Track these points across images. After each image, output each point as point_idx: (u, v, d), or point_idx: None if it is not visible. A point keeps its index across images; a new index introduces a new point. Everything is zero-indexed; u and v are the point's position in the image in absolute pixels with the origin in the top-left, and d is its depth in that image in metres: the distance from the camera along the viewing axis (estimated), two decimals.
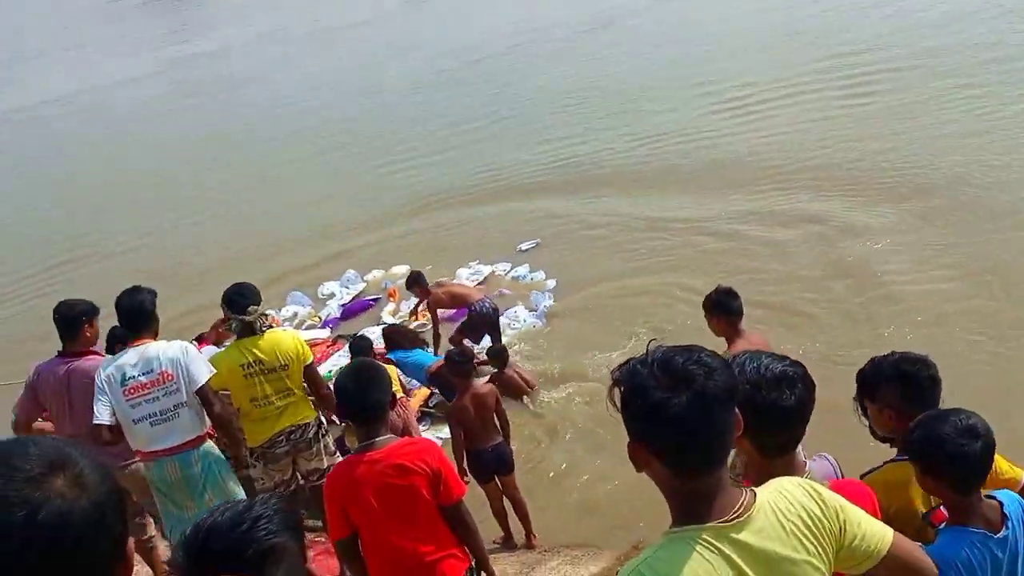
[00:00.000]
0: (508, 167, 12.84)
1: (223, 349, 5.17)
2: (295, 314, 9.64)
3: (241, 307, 4.61)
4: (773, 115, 12.32)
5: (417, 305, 8.60)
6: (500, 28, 22.05)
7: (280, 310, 9.62)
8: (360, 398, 3.14)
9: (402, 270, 10.00)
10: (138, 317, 4.39)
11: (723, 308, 4.53)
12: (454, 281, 9.06)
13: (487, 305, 7.86)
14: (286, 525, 1.59)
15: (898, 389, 2.47)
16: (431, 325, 8.28)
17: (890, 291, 7.65)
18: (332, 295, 9.89)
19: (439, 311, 8.25)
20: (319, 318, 9.50)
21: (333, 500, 3.17)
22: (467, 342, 7.74)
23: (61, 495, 1.07)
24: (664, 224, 9.93)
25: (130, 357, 4.31)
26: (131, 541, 1.18)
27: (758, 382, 1.97)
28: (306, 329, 9.14)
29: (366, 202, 12.71)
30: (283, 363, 4.63)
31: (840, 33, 15.25)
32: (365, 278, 10.15)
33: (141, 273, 11.04)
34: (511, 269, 9.64)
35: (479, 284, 9.37)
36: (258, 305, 4.67)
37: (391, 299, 9.45)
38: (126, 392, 4.27)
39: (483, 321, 7.82)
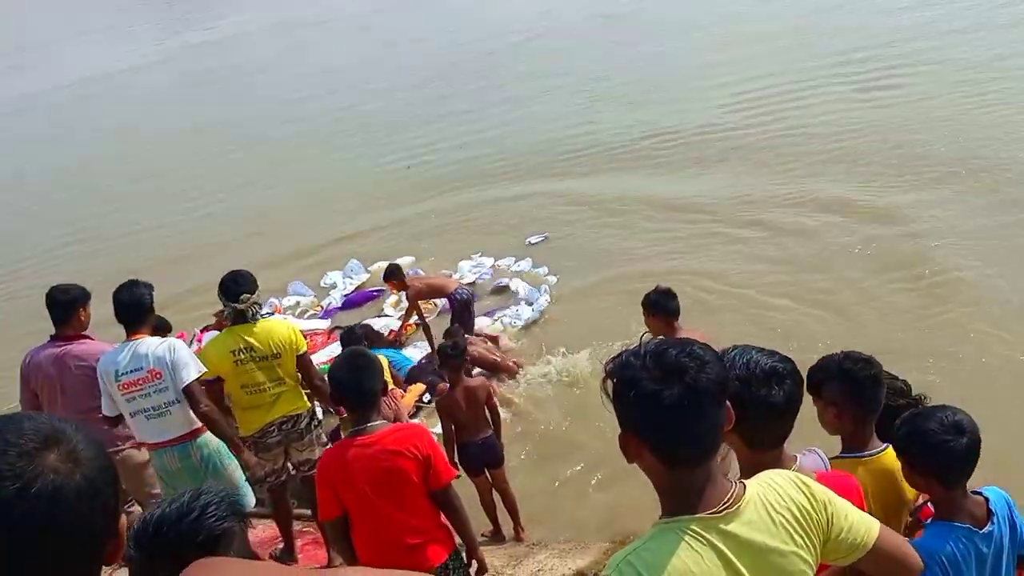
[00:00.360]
0: (520, 157, 12.81)
1: (216, 336, 5.16)
2: (297, 303, 9.64)
3: (234, 294, 4.60)
4: (795, 106, 12.28)
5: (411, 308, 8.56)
6: (514, 20, 21.90)
7: (282, 299, 9.63)
8: (353, 386, 3.25)
9: (407, 261, 10.00)
10: (135, 311, 4.39)
11: (660, 308, 4.68)
12: (439, 273, 9.13)
13: (464, 293, 8.10)
14: (232, 511, 1.74)
15: (840, 387, 2.50)
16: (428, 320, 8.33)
17: (918, 283, 7.59)
18: (334, 285, 9.88)
19: (431, 302, 8.37)
20: (321, 307, 9.49)
21: (325, 481, 3.26)
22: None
23: (54, 470, 1.07)
24: (683, 213, 9.90)
25: (123, 353, 4.34)
26: (123, 517, 1.18)
27: (748, 377, 1.98)
28: (308, 318, 9.13)
29: (374, 191, 12.68)
30: (275, 351, 4.62)
31: (863, 29, 15.22)
32: (369, 269, 10.12)
33: (143, 259, 11.18)
34: (514, 263, 9.63)
35: (486, 274, 9.48)
36: (252, 293, 4.64)
37: (393, 291, 9.41)
38: (121, 388, 4.32)
39: (466, 307, 8.03)
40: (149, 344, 4.34)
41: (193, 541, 1.67)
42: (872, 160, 10.20)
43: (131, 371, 4.29)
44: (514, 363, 7.68)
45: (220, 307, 5.11)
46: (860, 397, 2.48)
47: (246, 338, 4.58)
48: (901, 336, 6.85)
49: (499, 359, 7.68)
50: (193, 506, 1.71)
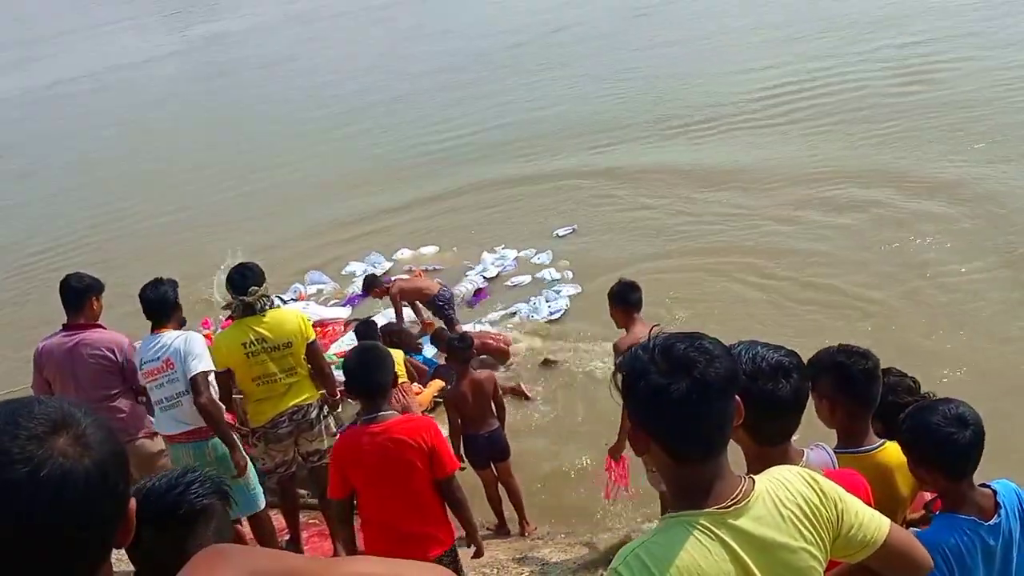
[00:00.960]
0: (553, 148, 12.57)
1: (213, 330, 5.19)
2: (320, 290, 9.66)
3: (242, 287, 4.61)
4: (842, 87, 12.10)
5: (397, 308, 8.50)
6: (534, 14, 21.63)
7: (306, 286, 9.66)
8: (363, 377, 3.43)
9: (431, 251, 10.02)
10: (161, 308, 4.57)
11: (622, 300, 4.84)
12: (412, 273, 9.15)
13: (448, 292, 8.16)
14: (215, 489, 1.92)
15: (834, 380, 2.46)
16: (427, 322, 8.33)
17: (943, 281, 7.44)
18: (355, 274, 9.84)
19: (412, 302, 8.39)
20: (344, 294, 9.47)
21: (337, 462, 3.50)
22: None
23: (63, 453, 1.06)
24: (720, 194, 9.73)
25: (148, 343, 4.51)
26: (132, 502, 1.17)
27: (754, 372, 1.97)
28: (331, 306, 9.14)
29: (399, 177, 12.58)
30: (287, 341, 4.65)
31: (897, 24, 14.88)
32: (392, 257, 10.10)
33: (162, 244, 11.29)
34: (534, 255, 9.50)
35: (507, 268, 9.45)
36: (260, 286, 4.65)
37: (379, 298, 9.32)
38: (143, 376, 4.49)
39: (449, 306, 8.08)
40: (169, 335, 4.50)
41: (175, 513, 1.84)
42: (929, 136, 10.03)
43: (150, 360, 4.45)
44: (504, 343, 7.69)
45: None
46: (854, 392, 2.45)
47: (257, 329, 4.60)
48: (942, 333, 6.70)
49: (487, 343, 7.67)
50: (180, 481, 1.89)
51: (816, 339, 6.37)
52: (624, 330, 4.83)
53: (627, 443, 4.67)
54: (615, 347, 4.84)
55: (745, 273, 8.18)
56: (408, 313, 8.52)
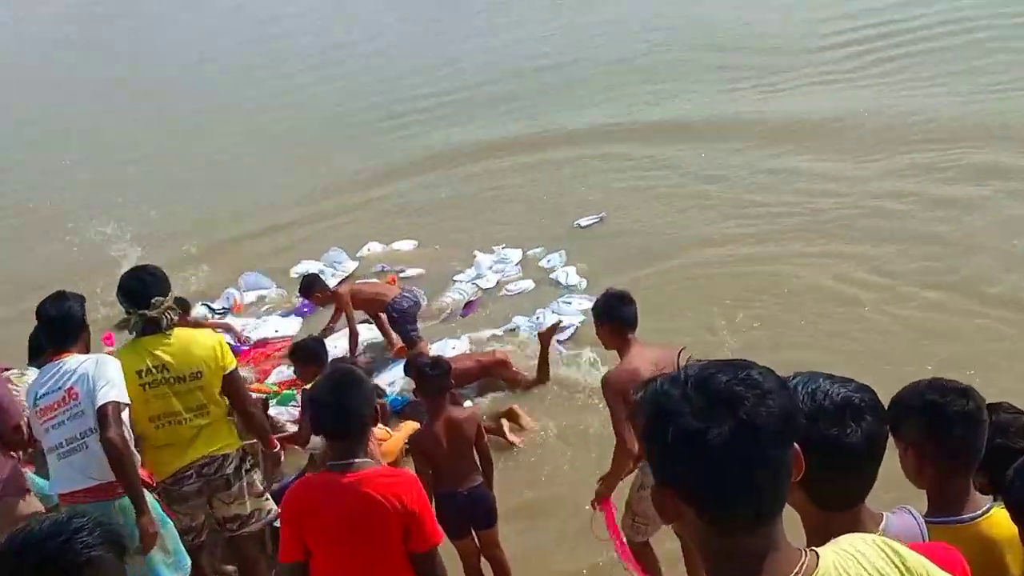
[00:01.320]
0: (579, 104, 12.67)
1: (115, 350, 5.18)
2: (261, 298, 9.64)
3: (144, 298, 4.58)
4: (912, 64, 12.23)
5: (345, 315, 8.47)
6: None
7: (243, 292, 9.63)
8: (338, 410, 3.46)
9: (408, 247, 10.05)
10: (64, 327, 4.56)
11: (611, 315, 4.81)
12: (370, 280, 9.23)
13: (407, 301, 8.10)
14: (105, 539, 2.05)
15: (922, 425, 2.47)
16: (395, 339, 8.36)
17: None
18: None
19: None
20: (292, 302, 9.39)
21: (289, 517, 3.56)
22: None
23: None
24: (797, 179, 9.73)
25: (45, 373, 4.47)
26: None
27: (815, 412, 1.99)
28: (282, 316, 9.15)
29: (372, 144, 12.75)
30: (196, 370, 4.61)
31: None
32: (358, 255, 10.09)
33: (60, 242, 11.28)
34: (544, 255, 9.48)
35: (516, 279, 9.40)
36: (165, 296, 4.63)
37: (319, 304, 9.01)
38: (37, 415, 4.41)
39: (405, 318, 8.08)
40: (74, 360, 4.45)
41: (56, 564, 1.99)
42: None
43: (48, 394, 4.39)
44: (502, 357, 7.77)
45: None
46: (949, 440, 2.43)
47: (157, 353, 4.58)
48: None
49: (483, 360, 7.75)
50: (64, 529, 2.03)
51: (936, 347, 6.45)
52: (616, 353, 4.82)
53: (618, 482, 4.71)
54: (604, 383, 4.74)
55: (838, 266, 8.14)
56: (373, 334, 8.52)
